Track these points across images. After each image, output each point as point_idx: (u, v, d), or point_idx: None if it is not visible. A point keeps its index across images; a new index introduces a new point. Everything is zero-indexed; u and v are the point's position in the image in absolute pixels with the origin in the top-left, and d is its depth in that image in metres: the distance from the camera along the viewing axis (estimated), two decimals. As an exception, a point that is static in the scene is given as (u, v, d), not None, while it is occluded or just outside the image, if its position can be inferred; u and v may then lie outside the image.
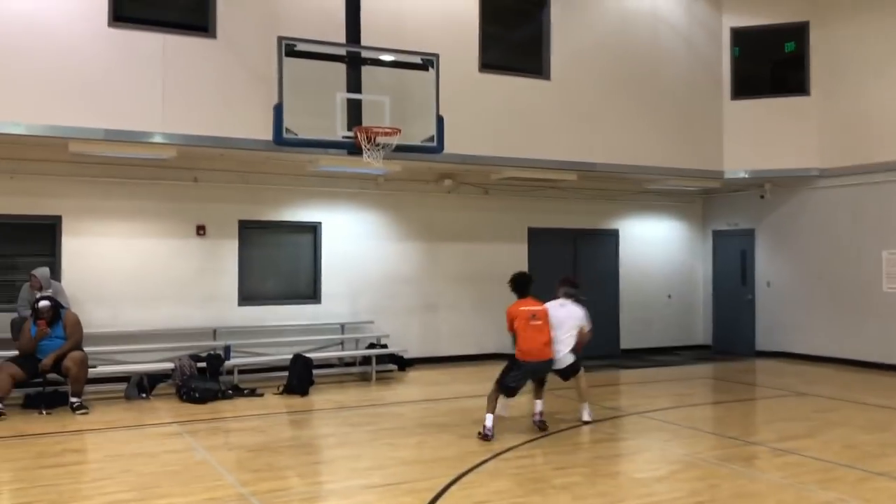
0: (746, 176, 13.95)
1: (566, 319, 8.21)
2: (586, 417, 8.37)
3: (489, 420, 7.60)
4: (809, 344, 13.76)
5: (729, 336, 15.27)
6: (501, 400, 7.86)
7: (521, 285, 8.18)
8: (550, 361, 7.99)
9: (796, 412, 9.13)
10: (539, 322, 7.89)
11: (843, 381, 11.52)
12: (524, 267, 13.87)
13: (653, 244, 15.37)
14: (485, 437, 7.51)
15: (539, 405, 8.16)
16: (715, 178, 14.05)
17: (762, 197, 14.59)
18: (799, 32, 13.81)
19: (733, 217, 15.31)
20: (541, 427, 7.99)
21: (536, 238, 14.12)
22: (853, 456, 6.96)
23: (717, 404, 10.02)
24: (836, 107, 13.33)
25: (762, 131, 13.81)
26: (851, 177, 13.07)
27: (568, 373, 8.35)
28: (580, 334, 8.30)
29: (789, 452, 7.09)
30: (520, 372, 7.88)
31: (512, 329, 7.96)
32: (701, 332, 15.85)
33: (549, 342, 7.91)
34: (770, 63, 14.88)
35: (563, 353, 8.14)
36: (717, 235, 15.61)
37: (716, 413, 9.43)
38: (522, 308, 7.95)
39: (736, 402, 9.95)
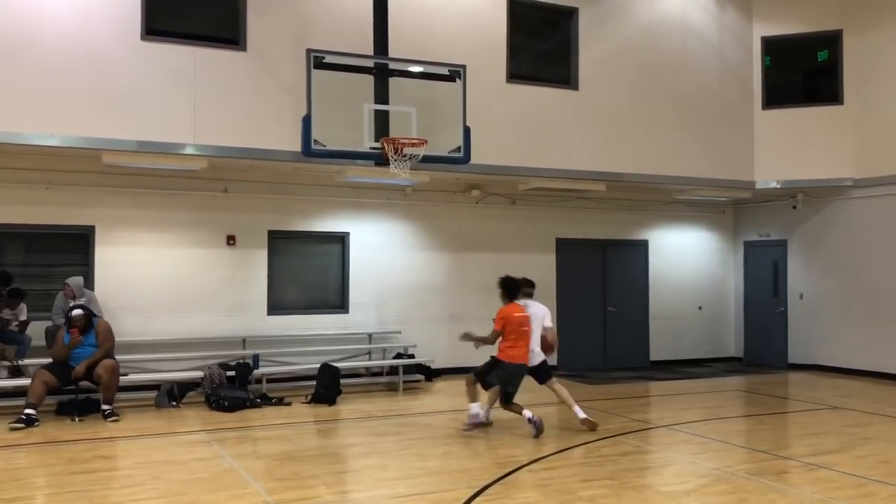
0: (778, 186, 13.78)
1: (533, 318, 8.60)
2: (582, 415, 8.54)
3: (475, 407, 8.46)
4: (843, 357, 13.53)
5: (760, 348, 15.06)
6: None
7: (511, 289, 8.62)
8: (526, 367, 8.51)
9: (829, 426, 8.96)
10: (527, 328, 8.42)
11: (878, 394, 11.29)
12: (553, 278, 13.88)
13: (683, 255, 15.23)
14: (477, 424, 8.39)
15: (486, 407, 8.65)
16: (746, 189, 13.90)
17: (794, 207, 14.40)
18: (832, 41, 13.64)
19: (765, 228, 15.13)
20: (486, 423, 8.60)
21: (564, 249, 14.06)
22: (887, 471, 6.82)
23: (748, 417, 9.87)
24: (871, 115, 13.13)
25: (794, 141, 13.65)
26: (887, 186, 12.86)
27: (542, 372, 8.75)
28: (549, 333, 8.76)
29: (821, 467, 6.97)
30: (503, 373, 8.36)
31: (500, 329, 8.38)
32: (732, 344, 15.65)
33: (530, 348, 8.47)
34: (802, 72, 14.71)
35: (535, 351, 8.61)
36: (749, 246, 15.42)
37: (746, 426, 9.29)
38: (516, 314, 8.40)
39: (767, 416, 9.80)
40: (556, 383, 8.77)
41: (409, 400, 10.75)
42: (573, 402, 8.62)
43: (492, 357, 8.59)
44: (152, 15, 10.04)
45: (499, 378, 8.40)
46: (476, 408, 8.52)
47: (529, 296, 8.92)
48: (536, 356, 8.60)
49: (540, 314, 8.72)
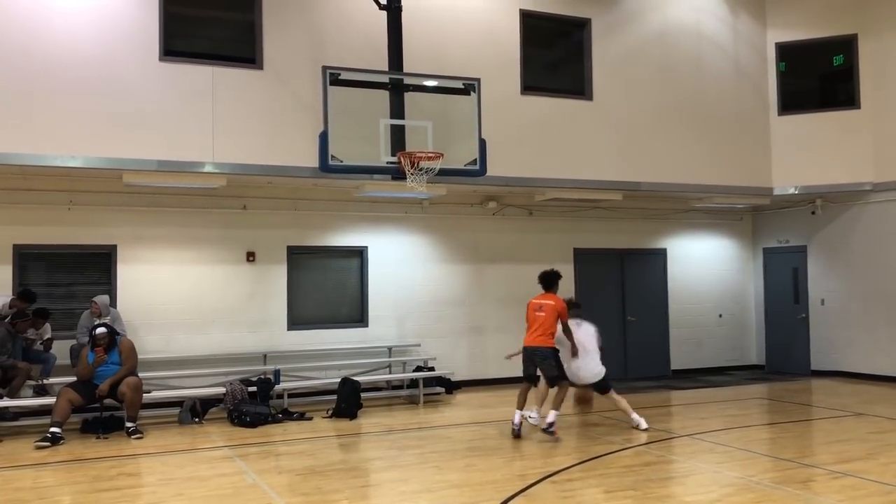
0: (796, 192, 13.71)
1: (587, 337, 9.31)
2: (636, 422, 9.23)
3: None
4: (867, 363, 13.39)
5: (783, 355, 14.94)
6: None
7: (544, 280, 9.21)
8: (535, 349, 8.89)
9: (854, 433, 8.87)
10: (540, 314, 8.91)
11: (904, 400, 11.17)
12: (572, 288, 13.85)
13: (702, 263, 15.16)
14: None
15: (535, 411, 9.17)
16: (764, 195, 13.84)
17: (813, 213, 14.31)
18: (847, 45, 13.58)
19: (784, 234, 15.03)
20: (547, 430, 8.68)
21: (582, 259, 14.05)
22: (914, 478, 6.75)
23: (772, 425, 9.79)
24: (888, 119, 13.04)
25: (812, 146, 13.58)
26: (906, 190, 12.77)
27: (601, 386, 9.33)
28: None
29: (847, 475, 6.90)
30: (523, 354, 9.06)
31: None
32: (754, 351, 15.54)
33: (542, 334, 8.84)
34: (818, 77, 14.64)
35: (593, 365, 9.23)
36: (768, 253, 15.33)
37: (770, 434, 9.21)
38: (533, 301, 9.08)
39: (791, 424, 9.71)
40: (615, 394, 9.37)
41: (429, 413, 10.75)
42: (630, 409, 9.29)
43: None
44: (170, 36, 10.19)
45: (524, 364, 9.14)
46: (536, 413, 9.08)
47: (578, 316, 9.45)
48: (598, 370, 9.24)
49: (591, 332, 9.44)
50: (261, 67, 10.53)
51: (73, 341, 10.17)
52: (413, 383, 11.78)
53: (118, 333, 9.59)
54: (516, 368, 13.25)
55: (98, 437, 8.93)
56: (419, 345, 12.55)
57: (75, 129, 9.56)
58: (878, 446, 8.10)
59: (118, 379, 9.13)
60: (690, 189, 13.25)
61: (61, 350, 10.18)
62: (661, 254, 14.85)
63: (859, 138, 13.36)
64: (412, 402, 11.54)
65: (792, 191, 13.71)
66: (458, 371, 12.60)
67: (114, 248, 10.96)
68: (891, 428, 9.13)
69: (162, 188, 10.62)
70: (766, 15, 13.99)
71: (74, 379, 9.27)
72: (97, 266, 10.95)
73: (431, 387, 11.85)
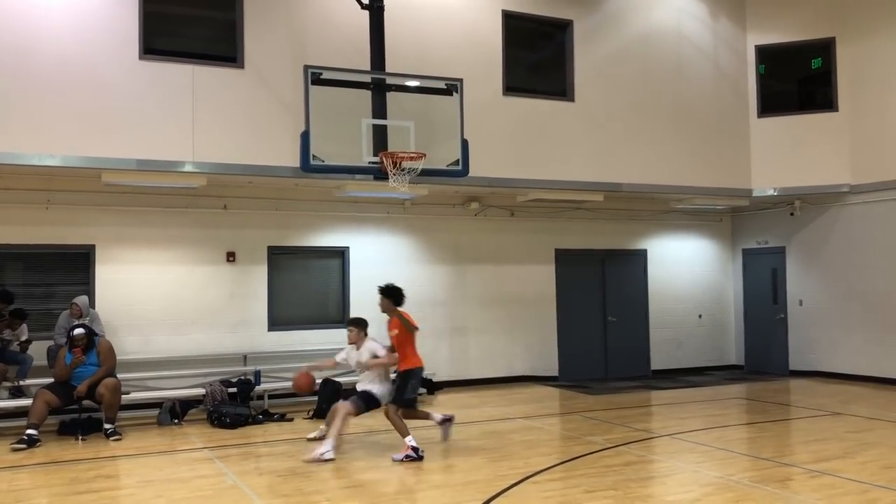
0: (775, 193, 13.83)
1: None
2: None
3: (413, 440, 7.77)
4: (844, 363, 13.54)
5: (761, 355, 15.06)
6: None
7: (398, 295, 8.19)
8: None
9: (831, 432, 8.97)
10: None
11: (880, 400, 11.30)
12: (553, 289, 13.91)
13: (681, 264, 15.25)
14: (418, 457, 7.67)
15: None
16: (743, 196, 13.95)
17: (792, 214, 14.44)
18: (825, 48, 13.73)
19: (763, 235, 15.16)
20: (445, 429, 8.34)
21: (564, 259, 14.09)
22: (891, 476, 6.83)
23: (751, 425, 9.87)
24: (866, 122, 13.20)
25: (790, 148, 13.71)
26: (883, 192, 12.91)
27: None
28: None
29: (825, 474, 6.97)
30: (416, 381, 8.16)
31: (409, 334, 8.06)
32: (733, 351, 15.66)
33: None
34: (796, 80, 14.79)
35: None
36: (747, 254, 15.46)
37: (749, 434, 9.29)
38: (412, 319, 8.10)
39: (769, 423, 9.80)
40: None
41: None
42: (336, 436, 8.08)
43: (402, 372, 8.03)
44: (150, 34, 10.10)
45: (415, 388, 8.20)
46: (412, 439, 7.81)
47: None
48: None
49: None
50: (242, 66, 10.47)
51: (51, 342, 10.05)
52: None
53: (96, 334, 9.50)
54: (497, 369, 13.39)
55: (76, 440, 8.84)
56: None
57: (53, 127, 9.45)
58: (856, 445, 8.19)
59: (96, 380, 9.04)
60: (671, 190, 13.33)
61: (38, 351, 10.06)
62: (642, 254, 14.93)
63: (837, 141, 13.51)
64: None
65: (771, 192, 13.83)
66: (440, 372, 12.60)
67: (92, 248, 10.85)
68: (868, 427, 9.24)
69: (141, 188, 10.53)
70: (746, 18, 14.11)
71: (52, 380, 9.17)
72: (75, 266, 10.83)
73: (413, 387, 11.82)
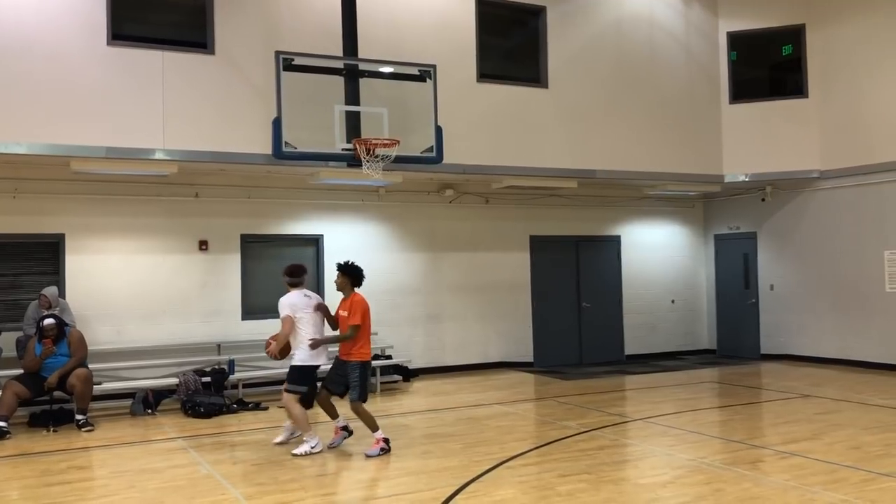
0: (747, 179, 13.97)
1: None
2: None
3: (382, 433, 7.55)
4: (814, 346, 13.75)
5: (733, 340, 15.25)
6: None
7: (358, 275, 7.76)
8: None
9: (801, 414, 9.11)
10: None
11: (848, 382, 11.50)
12: (528, 275, 13.96)
13: (655, 249, 15.38)
14: (388, 448, 7.48)
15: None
16: (715, 182, 14.07)
17: (763, 200, 14.60)
18: (795, 35, 13.86)
19: (734, 220, 15.32)
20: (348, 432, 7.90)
21: (539, 246, 14.14)
22: (857, 457, 6.96)
23: (722, 408, 10.00)
24: (835, 108, 13.35)
25: (761, 134, 13.84)
26: (852, 177, 13.09)
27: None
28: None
29: (794, 455, 7.08)
30: (368, 371, 7.74)
31: (361, 322, 7.51)
32: (705, 336, 15.84)
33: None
34: (768, 66, 14.92)
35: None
36: (719, 239, 15.61)
37: (721, 417, 9.41)
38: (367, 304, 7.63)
39: (741, 406, 9.94)
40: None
41: (386, 401, 10.74)
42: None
43: (361, 363, 7.58)
44: (118, 20, 9.94)
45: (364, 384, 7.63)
46: (381, 432, 7.60)
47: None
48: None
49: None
50: (212, 52, 10.34)
51: (20, 333, 9.90)
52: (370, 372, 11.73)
53: (67, 324, 9.38)
54: (473, 356, 13.44)
55: (48, 431, 8.74)
56: (376, 333, 12.38)
57: (20, 114, 9.28)
58: (824, 427, 8.34)
59: (67, 371, 8.94)
60: (644, 177, 13.41)
61: (6, 342, 9.90)
62: (616, 241, 15.02)
63: (807, 127, 13.66)
64: (369, 390, 11.49)
65: (742, 178, 13.97)
66: (415, 359, 12.62)
67: (62, 237, 10.70)
68: (836, 409, 9.40)
69: (111, 175, 10.39)
70: (718, 5, 14.18)
71: (21, 372, 9.05)
72: (44, 256, 10.67)
73: (388, 375, 11.86)
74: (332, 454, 7.59)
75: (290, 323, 7.59)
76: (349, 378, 7.54)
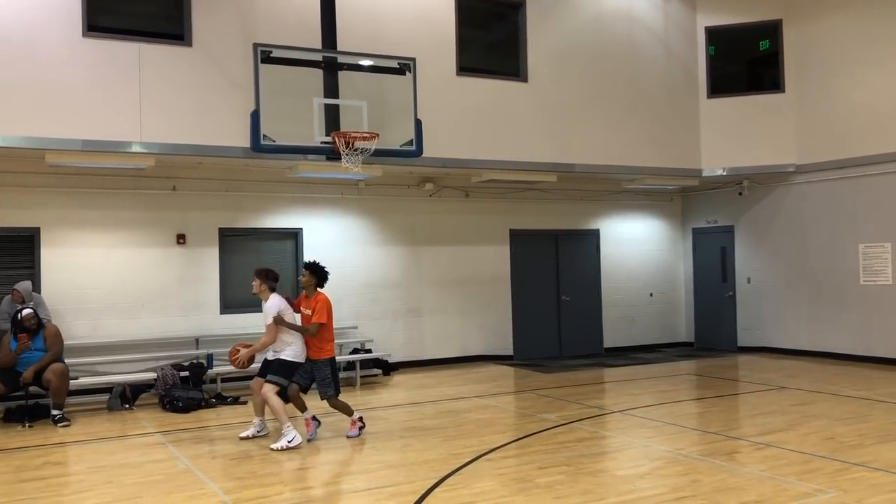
0: (724, 173, 14.08)
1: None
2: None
3: (357, 413, 7.97)
4: (790, 338, 13.91)
5: (711, 332, 15.39)
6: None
7: (323, 275, 7.98)
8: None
9: (776, 406, 9.22)
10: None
11: (823, 374, 11.65)
12: (507, 269, 14.00)
13: (633, 243, 15.47)
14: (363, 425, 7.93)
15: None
16: (693, 176, 14.17)
17: (740, 194, 14.73)
18: (772, 30, 13.97)
19: (712, 214, 15.45)
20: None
21: (518, 240, 14.18)
22: (831, 447, 7.06)
23: (700, 400, 10.10)
24: (811, 103, 13.49)
25: (739, 129, 13.95)
26: (827, 172, 13.23)
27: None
28: None
29: (769, 446, 7.17)
30: (336, 367, 7.99)
31: (326, 320, 7.74)
32: (683, 329, 15.97)
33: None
34: (745, 61, 15.03)
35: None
36: (697, 233, 15.73)
37: (698, 409, 9.51)
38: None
39: (718, 398, 10.04)
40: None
41: (366, 395, 10.75)
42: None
43: (329, 363, 7.82)
44: (94, 11, 9.82)
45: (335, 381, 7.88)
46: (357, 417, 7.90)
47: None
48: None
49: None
50: (190, 44, 10.24)
51: (-6, 328, 9.79)
52: (350, 365, 11.72)
53: (42, 319, 9.27)
54: (453, 349, 13.46)
55: (23, 426, 8.65)
56: (356, 327, 12.49)
57: (-7, 106, 9.16)
58: (799, 418, 8.45)
59: (43, 365, 8.85)
60: (622, 171, 13.48)
61: (-19, 337, 9.79)
62: (595, 234, 15.09)
63: (783, 121, 13.79)
64: (349, 384, 11.49)
65: (720, 172, 14.07)
66: (395, 353, 12.62)
67: (37, 230, 10.57)
68: (810, 400, 9.53)
69: (87, 169, 10.28)
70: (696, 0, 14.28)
71: (-5, 367, 8.95)
72: (19, 250, 10.54)
73: (368, 369, 11.85)
74: (310, 448, 7.57)
75: (274, 331, 7.66)
76: (319, 376, 7.81)
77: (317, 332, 7.70)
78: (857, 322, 12.85)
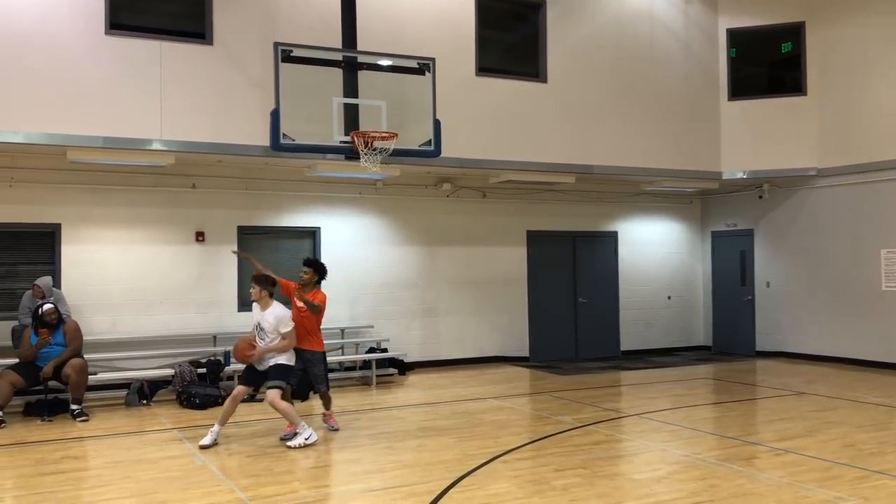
0: (744, 176, 13.97)
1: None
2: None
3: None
4: (809, 344, 13.78)
5: (729, 337, 15.28)
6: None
7: (324, 272, 8.27)
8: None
9: (795, 412, 9.13)
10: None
11: (842, 380, 11.53)
12: (524, 270, 13.97)
13: (651, 246, 15.38)
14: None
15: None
16: (713, 179, 14.07)
17: (760, 197, 14.62)
18: (795, 33, 13.85)
19: (732, 217, 15.33)
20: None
21: (535, 241, 14.14)
22: (851, 454, 6.98)
23: (717, 405, 10.02)
24: (833, 106, 13.36)
25: (759, 131, 13.84)
26: (849, 176, 13.10)
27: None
28: None
29: (788, 452, 7.10)
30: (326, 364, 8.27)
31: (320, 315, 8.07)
32: (701, 332, 15.86)
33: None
34: (767, 63, 14.91)
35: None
36: (716, 236, 15.62)
37: (716, 413, 9.43)
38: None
39: (735, 403, 9.96)
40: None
41: (382, 394, 10.75)
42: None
43: (322, 353, 8.11)
44: (116, 9, 9.90)
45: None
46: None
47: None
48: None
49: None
50: (210, 43, 10.30)
51: (15, 322, 9.89)
52: (366, 365, 11.75)
53: (63, 314, 9.36)
54: (468, 350, 13.45)
55: (42, 420, 8.73)
56: (372, 326, 12.51)
57: (17, 103, 9.24)
58: (818, 424, 8.36)
59: (62, 360, 8.92)
60: (641, 173, 13.41)
61: (2, 331, 9.89)
62: (612, 236, 15.02)
63: (805, 124, 13.66)
64: (365, 383, 11.52)
65: (740, 175, 13.97)
66: (411, 352, 12.62)
67: (58, 226, 10.67)
68: (830, 406, 9.43)
69: (108, 166, 10.36)
70: (718, 1, 14.17)
71: (16, 361, 9.03)
72: (40, 245, 10.64)
73: (384, 368, 11.86)
74: (326, 447, 7.59)
75: (295, 337, 7.79)
76: (314, 370, 8.05)
77: (321, 311, 7.95)
78: (878, 328, 12.70)
